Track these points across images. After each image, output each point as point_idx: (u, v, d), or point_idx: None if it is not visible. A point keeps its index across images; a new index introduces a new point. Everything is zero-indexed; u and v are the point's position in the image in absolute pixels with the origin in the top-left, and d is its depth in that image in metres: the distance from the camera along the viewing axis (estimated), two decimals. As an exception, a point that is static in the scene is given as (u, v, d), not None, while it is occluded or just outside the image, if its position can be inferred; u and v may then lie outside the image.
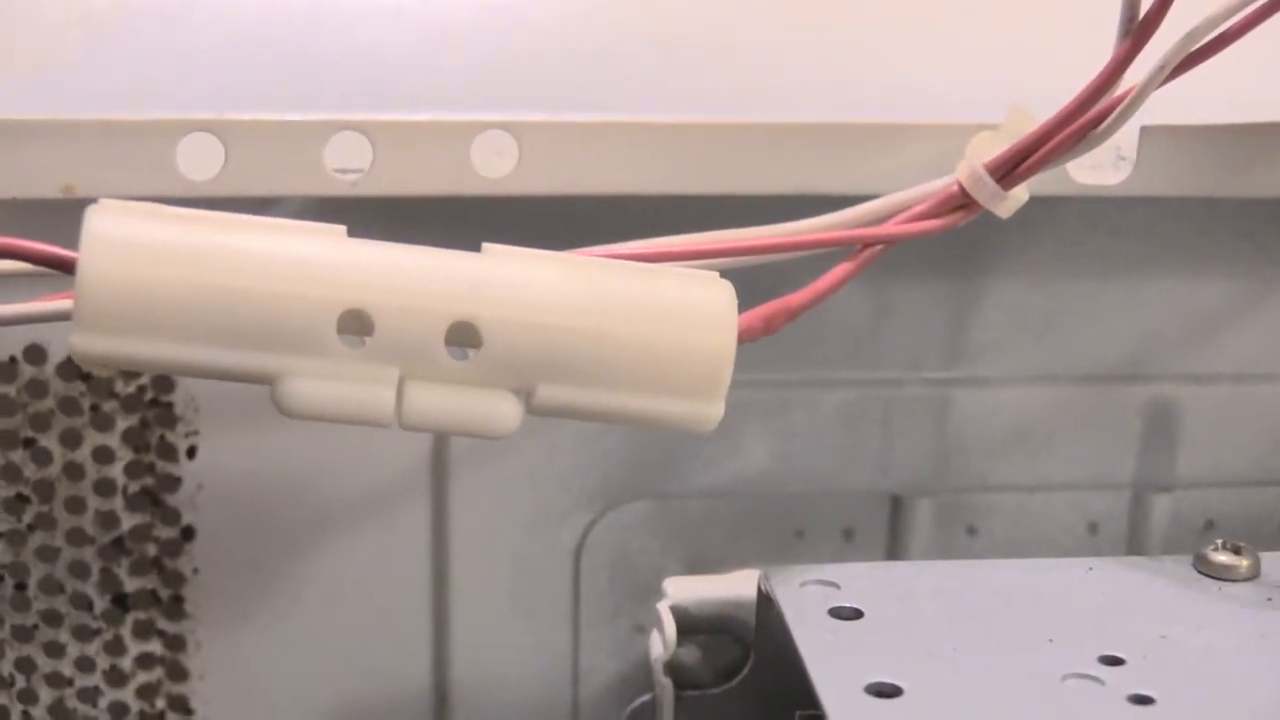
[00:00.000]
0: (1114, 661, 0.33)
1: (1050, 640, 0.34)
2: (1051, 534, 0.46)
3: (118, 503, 0.42)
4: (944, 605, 0.35)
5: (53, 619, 0.43)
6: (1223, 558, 0.37)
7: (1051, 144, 0.35)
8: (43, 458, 0.41)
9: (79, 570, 0.42)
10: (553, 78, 0.40)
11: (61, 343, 0.40)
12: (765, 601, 0.36)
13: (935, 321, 0.44)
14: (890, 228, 0.36)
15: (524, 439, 0.35)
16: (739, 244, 0.35)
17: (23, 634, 0.43)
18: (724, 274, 0.33)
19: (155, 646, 0.43)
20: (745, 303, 0.38)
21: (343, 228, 0.32)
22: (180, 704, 0.44)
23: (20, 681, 0.43)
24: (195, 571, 0.43)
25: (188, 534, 0.43)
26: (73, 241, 0.30)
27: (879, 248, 0.36)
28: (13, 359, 0.40)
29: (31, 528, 0.42)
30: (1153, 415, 0.46)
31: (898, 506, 0.46)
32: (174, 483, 0.42)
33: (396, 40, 0.40)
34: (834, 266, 0.35)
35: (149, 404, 0.41)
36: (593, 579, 0.45)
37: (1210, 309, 0.45)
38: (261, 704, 0.44)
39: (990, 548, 0.46)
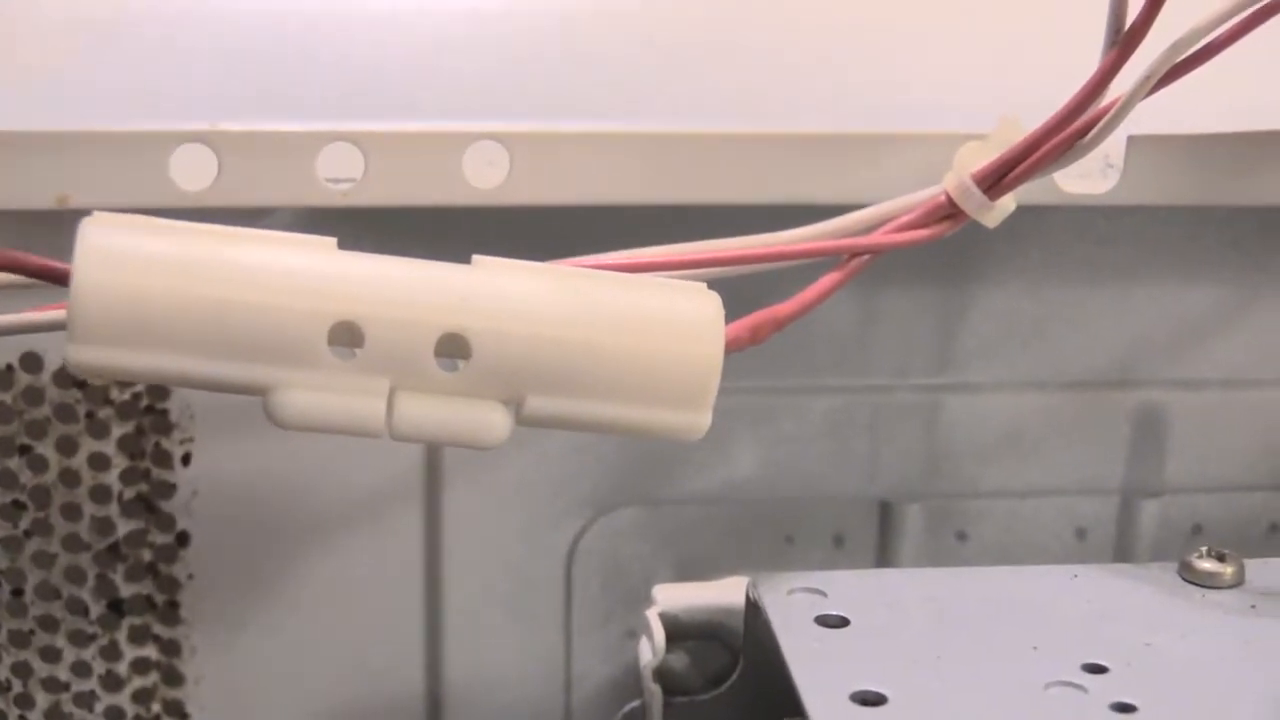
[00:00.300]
0: (1097, 669, 0.34)
1: (1034, 648, 0.34)
2: (1040, 540, 0.47)
3: (113, 509, 0.42)
4: (929, 613, 0.36)
5: (49, 624, 0.43)
6: (1207, 565, 0.38)
7: (1038, 154, 0.35)
8: (39, 464, 0.42)
9: (75, 576, 0.43)
10: (544, 89, 0.40)
11: (57, 351, 0.41)
12: (753, 609, 0.36)
13: (924, 328, 0.44)
14: (878, 237, 0.36)
15: (516, 446, 0.36)
16: (727, 254, 0.35)
17: (19, 639, 0.43)
18: (712, 284, 0.34)
19: (150, 651, 0.44)
20: (733, 311, 0.38)
21: (333, 240, 0.32)
22: (175, 708, 0.44)
23: (17, 686, 0.43)
24: (190, 577, 0.43)
25: (183, 540, 0.43)
26: (67, 252, 0.31)
27: (867, 257, 0.36)
28: (9, 367, 0.41)
29: (28, 534, 0.42)
30: (1141, 421, 0.46)
31: (887, 512, 0.46)
32: (169, 489, 0.42)
33: (389, 50, 0.41)
34: (821, 276, 0.35)
35: (144, 411, 0.42)
36: (584, 584, 0.45)
37: (1198, 315, 0.46)
38: (256, 708, 0.44)
39: (980, 553, 0.46)
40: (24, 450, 0.42)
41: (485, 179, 0.38)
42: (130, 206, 0.32)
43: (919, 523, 0.46)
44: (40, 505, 0.42)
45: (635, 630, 0.44)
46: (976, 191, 0.35)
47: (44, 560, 0.42)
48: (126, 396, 0.41)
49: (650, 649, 0.39)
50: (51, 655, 0.43)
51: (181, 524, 0.43)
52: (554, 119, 0.39)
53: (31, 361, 0.41)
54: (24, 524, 0.42)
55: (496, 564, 0.44)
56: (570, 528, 0.44)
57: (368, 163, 0.38)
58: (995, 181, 0.35)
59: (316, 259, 0.31)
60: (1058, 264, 0.44)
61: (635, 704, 0.42)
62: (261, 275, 0.30)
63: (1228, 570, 0.37)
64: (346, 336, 0.31)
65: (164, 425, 0.42)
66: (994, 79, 0.42)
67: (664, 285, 0.33)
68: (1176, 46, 0.34)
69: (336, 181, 0.38)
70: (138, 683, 0.44)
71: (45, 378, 0.41)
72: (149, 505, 0.42)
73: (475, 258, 0.32)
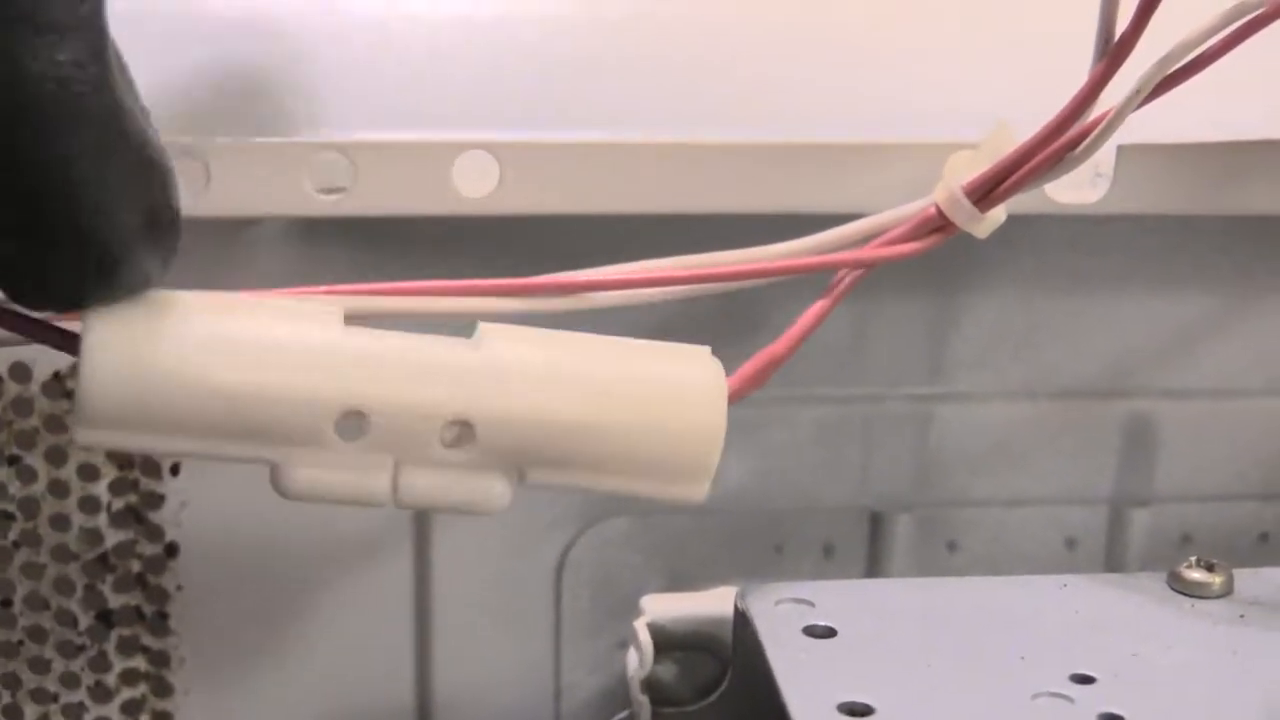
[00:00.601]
0: (1085, 680, 0.34)
1: (1022, 658, 0.34)
2: (1030, 549, 0.47)
3: (102, 520, 0.42)
4: (917, 623, 0.36)
5: (37, 635, 0.43)
6: (1196, 575, 0.38)
7: (1028, 166, 0.35)
8: (27, 475, 0.42)
9: (63, 586, 0.43)
10: (534, 98, 0.40)
11: (46, 361, 0.41)
12: (741, 619, 0.36)
13: (914, 338, 0.44)
14: (867, 252, 0.36)
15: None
16: (716, 270, 0.35)
17: (8, 650, 0.43)
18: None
19: (139, 662, 0.43)
20: (723, 322, 0.38)
21: (338, 309, 0.32)
22: None
23: (5, 697, 0.43)
24: (179, 588, 0.43)
25: (171, 550, 0.43)
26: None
27: (856, 274, 0.36)
28: (-2, 377, 0.41)
29: (16, 544, 0.42)
30: (1131, 431, 0.46)
31: (877, 522, 0.46)
32: (158, 500, 0.42)
33: (379, 59, 0.41)
34: (810, 305, 0.36)
35: (133, 421, 0.42)
36: (574, 595, 0.45)
37: (1188, 325, 0.46)
38: (246, 719, 0.44)
39: (970, 563, 0.46)
40: (13, 461, 0.42)
41: (475, 189, 0.38)
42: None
43: (909, 532, 0.46)
44: (29, 516, 0.42)
45: (625, 641, 0.44)
46: (966, 203, 0.35)
47: (33, 571, 0.42)
48: (116, 406, 0.41)
49: (638, 660, 0.39)
50: (40, 666, 0.43)
51: (170, 535, 0.43)
52: (544, 129, 0.39)
53: (20, 371, 0.41)
54: (12, 535, 0.42)
55: (486, 574, 0.44)
56: (560, 538, 0.44)
57: (357, 172, 0.38)
58: (985, 193, 0.35)
59: (322, 339, 0.31)
60: (1049, 273, 0.44)
61: (624, 715, 0.42)
62: (269, 360, 0.31)
63: (1217, 580, 0.37)
64: (353, 422, 0.31)
65: (153, 435, 0.42)
66: (986, 89, 0.42)
67: (668, 355, 0.34)
68: (1166, 60, 0.34)
69: (326, 191, 0.38)
70: (127, 694, 0.44)
71: (34, 388, 0.41)
72: (138, 516, 0.42)
73: (482, 327, 0.33)
